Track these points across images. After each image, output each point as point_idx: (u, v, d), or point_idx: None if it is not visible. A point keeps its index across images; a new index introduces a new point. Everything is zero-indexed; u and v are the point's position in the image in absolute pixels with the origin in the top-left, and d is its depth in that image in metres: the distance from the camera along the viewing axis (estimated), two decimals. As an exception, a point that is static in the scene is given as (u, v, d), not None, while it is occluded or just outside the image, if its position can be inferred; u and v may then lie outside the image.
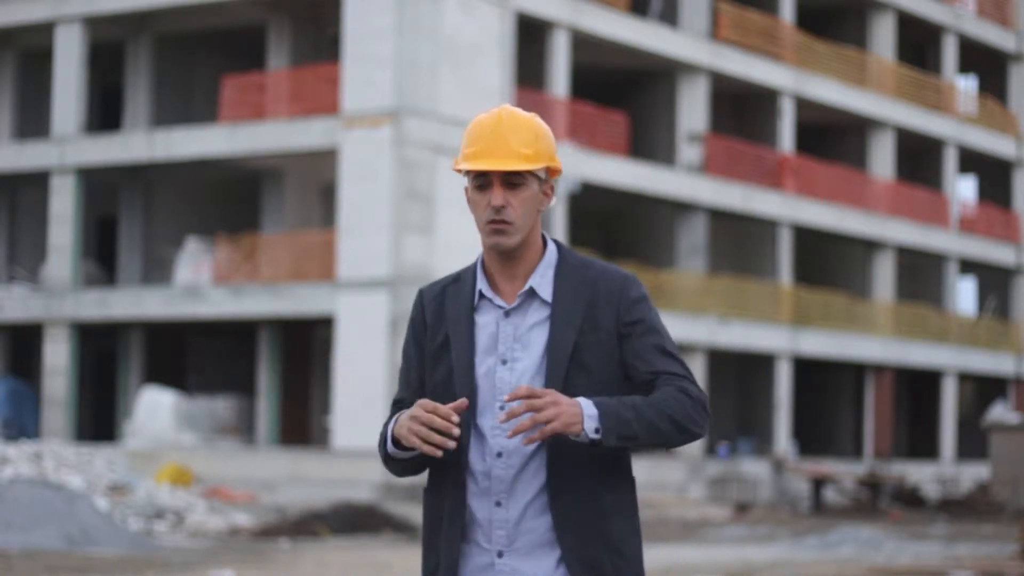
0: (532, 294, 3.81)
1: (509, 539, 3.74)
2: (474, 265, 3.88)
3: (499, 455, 3.75)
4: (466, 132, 3.84)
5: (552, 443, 3.72)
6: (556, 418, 3.61)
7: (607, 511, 3.76)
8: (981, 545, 23.36)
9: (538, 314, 3.80)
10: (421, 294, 3.91)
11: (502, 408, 3.75)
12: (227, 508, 25.50)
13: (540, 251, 3.85)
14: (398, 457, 3.80)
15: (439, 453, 3.65)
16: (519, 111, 3.85)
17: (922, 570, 18.40)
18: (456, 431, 3.65)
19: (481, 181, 3.79)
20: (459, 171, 3.83)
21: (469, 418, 3.76)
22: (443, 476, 3.80)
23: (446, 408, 3.65)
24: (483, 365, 3.79)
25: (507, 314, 3.80)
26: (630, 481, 3.83)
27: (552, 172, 3.85)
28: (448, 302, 3.85)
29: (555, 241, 3.87)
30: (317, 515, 23.30)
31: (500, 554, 3.75)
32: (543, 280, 3.81)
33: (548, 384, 3.72)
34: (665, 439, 3.73)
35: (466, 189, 3.86)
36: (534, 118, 3.84)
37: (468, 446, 3.76)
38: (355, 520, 23.19)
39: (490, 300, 3.82)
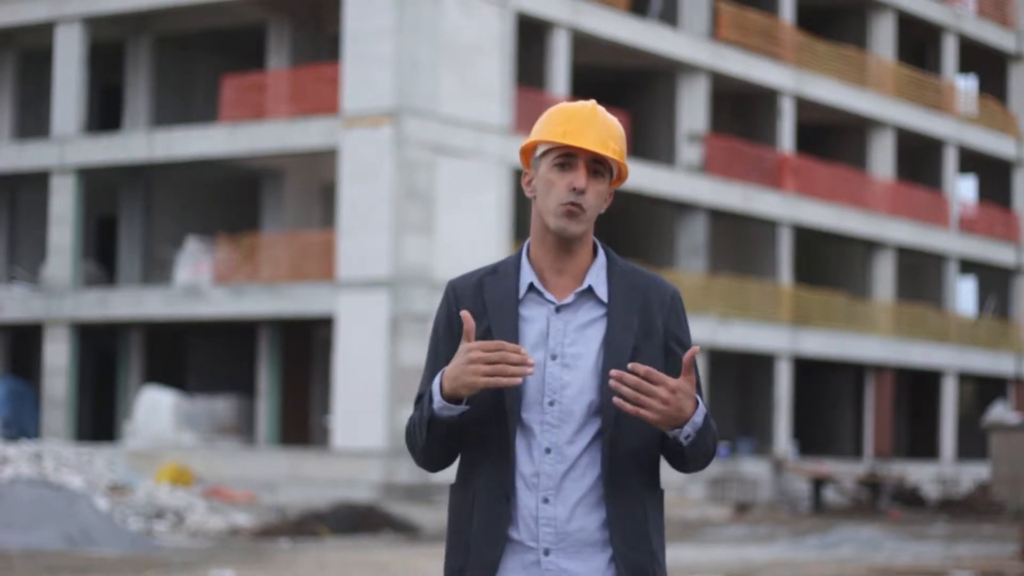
0: (588, 292, 3.74)
1: (557, 537, 3.66)
2: (515, 258, 3.78)
3: (548, 451, 3.67)
4: (549, 114, 3.76)
5: (609, 443, 3.67)
6: (657, 414, 3.58)
7: (648, 518, 3.72)
8: (981, 545, 23.35)
9: (592, 313, 3.73)
10: (453, 287, 3.78)
11: (551, 404, 3.67)
12: (227, 508, 25.49)
13: (592, 252, 3.79)
14: (444, 417, 3.64)
15: (519, 381, 3.56)
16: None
17: (922, 570, 18.40)
18: (532, 361, 3.56)
19: (564, 161, 3.71)
20: (527, 151, 3.77)
21: (516, 412, 3.68)
22: (478, 472, 3.71)
23: (512, 344, 3.57)
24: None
25: (558, 310, 3.73)
26: (661, 492, 3.80)
27: (618, 179, 3.81)
28: (488, 294, 3.74)
29: (603, 245, 3.83)
30: (317, 515, 23.30)
31: (547, 552, 3.66)
32: (598, 280, 3.75)
33: (603, 384, 3.66)
34: (695, 463, 3.74)
35: (525, 174, 3.80)
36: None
37: (514, 440, 3.68)
38: (355, 520, 23.19)
39: (540, 294, 3.73)
